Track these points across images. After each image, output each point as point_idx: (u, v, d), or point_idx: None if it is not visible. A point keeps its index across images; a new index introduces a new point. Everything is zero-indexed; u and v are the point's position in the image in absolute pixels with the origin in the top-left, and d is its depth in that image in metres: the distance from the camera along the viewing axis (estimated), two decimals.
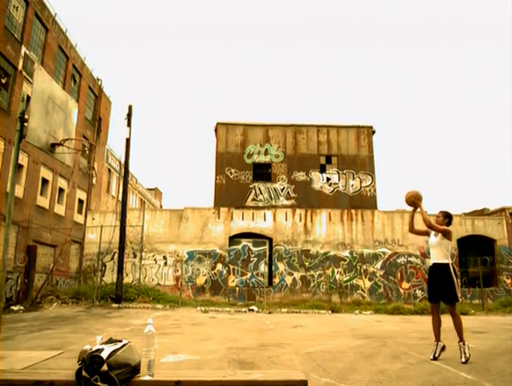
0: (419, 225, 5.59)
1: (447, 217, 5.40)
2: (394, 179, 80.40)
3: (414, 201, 5.39)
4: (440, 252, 5.24)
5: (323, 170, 22.01)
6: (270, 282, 19.27)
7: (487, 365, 4.86)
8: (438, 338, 5.12)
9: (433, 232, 5.42)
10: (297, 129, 22.45)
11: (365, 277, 19.43)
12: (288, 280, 19.27)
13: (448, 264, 5.16)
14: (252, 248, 19.70)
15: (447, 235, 5.25)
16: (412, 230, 5.68)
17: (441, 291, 5.14)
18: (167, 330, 8.13)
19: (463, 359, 4.84)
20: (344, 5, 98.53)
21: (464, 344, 4.92)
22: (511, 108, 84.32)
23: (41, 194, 17.38)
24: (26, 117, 4.62)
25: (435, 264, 5.28)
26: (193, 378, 2.67)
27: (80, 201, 21.42)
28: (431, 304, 5.34)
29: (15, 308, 12.44)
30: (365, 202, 21.40)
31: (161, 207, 42.33)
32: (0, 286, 4.38)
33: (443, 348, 5.05)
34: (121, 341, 2.72)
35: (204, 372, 3.74)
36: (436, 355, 5.01)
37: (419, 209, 5.41)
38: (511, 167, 77.31)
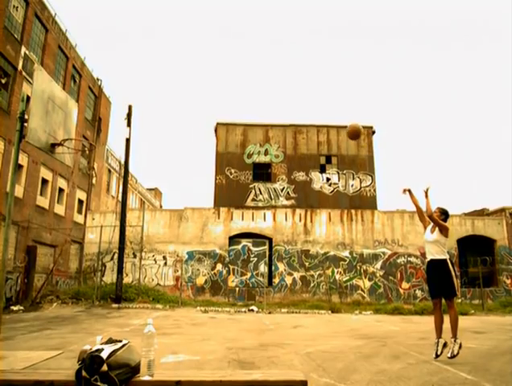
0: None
1: (443, 214, 5.40)
2: (394, 179, 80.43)
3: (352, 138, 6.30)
4: (437, 248, 5.25)
5: (323, 170, 22.01)
6: (270, 282, 19.28)
7: (487, 365, 4.87)
8: (439, 335, 5.09)
9: (429, 228, 5.44)
10: (297, 129, 22.46)
11: (365, 277, 19.43)
12: (288, 280, 19.27)
13: (445, 260, 5.18)
14: (252, 248, 19.70)
15: (444, 231, 5.25)
16: (416, 205, 5.63)
17: (440, 286, 5.15)
18: (166, 330, 8.13)
19: (449, 355, 4.86)
20: (344, 5, 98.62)
21: (455, 341, 4.91)
22: (511, 108, 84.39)
23: (41, 194, 17.37)
24: (26, 117, 4.62)
25: (432, 261, 5.29)
26: (193, 378, 2.67)
27: (80, 201, 21.40)
28: (433, 300, 5.34)
29: (15, 308, 12.44)
30: (364, 202, 21.41)
31: (161, 207, 42.31)
32: (0, 286, 4.38)
33: (444, 345, 5.00)
34: (121, 341, 2.72)
35: (204, 372, 3.74)
36: (439, 353, 4.97)
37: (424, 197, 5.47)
38: (511, 167, 77.37)
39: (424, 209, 5.38)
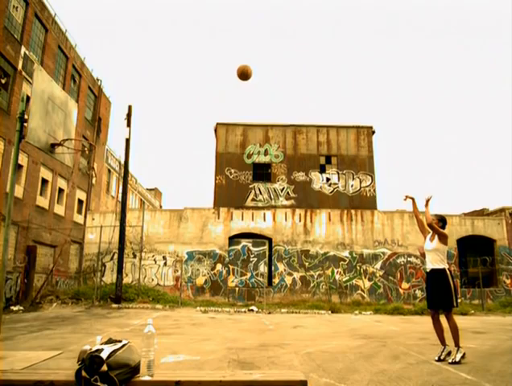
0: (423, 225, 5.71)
1: (441, 221, 5.42)
2: (394, 179, 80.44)
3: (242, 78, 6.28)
4: (436, 257, 5.28)
5: (322, 170, 22.00)
6: (270, 282, 19.27)
7: (487, 365, 4.87)
8: (444, 343, 5.15)
9: (428, 237, 5.46)
10: (297, 130, 22.45)
11: (365, 278, 19.43)
12: (288, 280, 19.27)
13: (444, 270, 5.20)
14: (252, 248, 19.70)
15: (443, 239, 5.28)
16: (417, 215, 5.73)
17: (437, 298, 5.16)
18: (166, 330, 8.13)
19: (450, 361, 4.89)
20: (344, 4, 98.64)
21: (458, 350, 4.92)
22: (511, 108, 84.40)
23: (41, 194, 17.37)
24: (25, 117, 4.62)
25: (432, 271, 5.30)
26: (193, 378, 2.66)
27: (80, 201, 21.40)
28: (431, 311, 5.35)
29: (15, 308, 12.44)
30: (364, 202, 21.40)
31: (161, 207, 42.31)
32: (0, 286, 4.38)
33: (449, 353, 5.04)
34: (120, 341, 2.72)
35: (204, 372, 3.74)
36: (442, 358, 5.03)
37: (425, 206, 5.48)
38: (511, 167, 77.37)
39: (424, 218, 5.40)
